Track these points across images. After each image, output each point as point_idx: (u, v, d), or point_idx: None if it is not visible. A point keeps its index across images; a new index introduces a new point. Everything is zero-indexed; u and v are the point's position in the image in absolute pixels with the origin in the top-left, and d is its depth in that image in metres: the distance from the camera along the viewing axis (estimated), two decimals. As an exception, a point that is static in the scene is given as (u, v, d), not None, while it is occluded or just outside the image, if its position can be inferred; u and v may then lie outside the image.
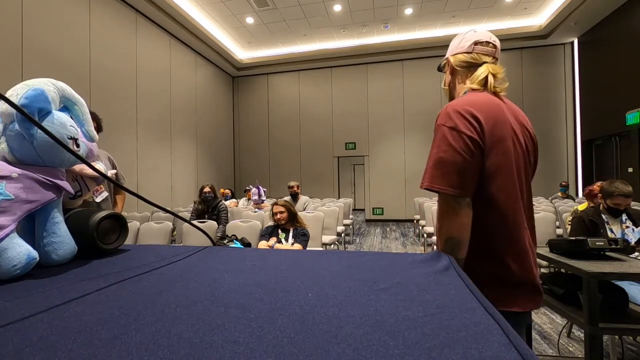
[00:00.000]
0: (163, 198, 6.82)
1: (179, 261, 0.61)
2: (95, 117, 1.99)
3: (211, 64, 9.02)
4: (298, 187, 5.20)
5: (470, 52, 1.01)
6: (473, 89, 0.98)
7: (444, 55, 1.11)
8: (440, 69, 1.14)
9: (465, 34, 1.04)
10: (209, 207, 4.00)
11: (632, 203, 2.87)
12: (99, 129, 2.07)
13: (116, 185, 2.11)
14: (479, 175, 0.88)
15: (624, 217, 2.23)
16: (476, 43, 1.00)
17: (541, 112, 8.13)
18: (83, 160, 0.58)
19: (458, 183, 0.86)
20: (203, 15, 7.10)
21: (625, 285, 1.66)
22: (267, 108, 10.10)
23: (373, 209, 9.31)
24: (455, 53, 1.04)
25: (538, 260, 1.83)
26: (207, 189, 4.01)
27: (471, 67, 1.01)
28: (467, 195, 0.87)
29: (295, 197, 5.10)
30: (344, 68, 9.44)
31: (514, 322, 0.95)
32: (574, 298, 1.57)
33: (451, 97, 1.08)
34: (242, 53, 9.23)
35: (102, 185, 1.89)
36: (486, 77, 0.97)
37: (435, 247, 1.12)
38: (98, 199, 1.90)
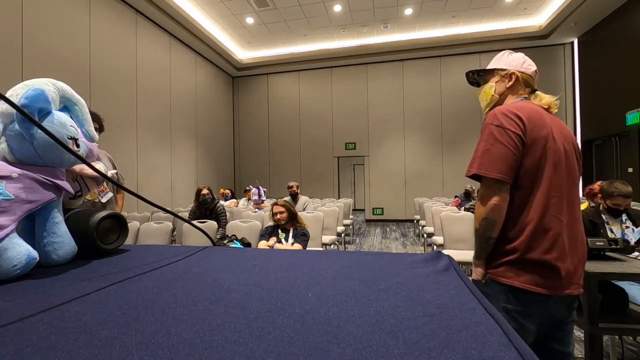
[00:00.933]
0: (163, 198, 6.82)
1: (179, 261, 0.61)
2: (96, 117, 1.99)
3: (211, 64, 9.02)
4: (298, 187, 5.19)
5: (533, 77, 1.20)
6: (525, 98, 1.16)
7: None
8: (490, 72, 1.25)
9: (525, 58, 1.21)
10: (206, 211, 3.89)
11: (632, 203, 2.87)
12: (100, 129, 2.06)
13: (117, 186, 2.11)
14: (519, 166, 1.03)
15: (624, 217, 2.23)
16: (535, 72, 1.21)
17: (541, 112, 8.11)
18: (83, 160, 0.58)
19: (502, 170, 1.01)
20: (203, 16, 7.10)
21: (625, 285, 1.66)
22: (267, 108, 10.09)
23: (373, 209, 9.30)
24: (521, 71, 1.19)
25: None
26: (205, 191, 3.86)
27: (527, 86, 1.19)
28: (508, 182, 1.02)
29: (294, 197, 5.10)
30: (344, 68, 9.44)
31: (523, 301, 1.02)
32: (574, 298, 1.57)
33: (495, 105, 1.21)
34: (242, 53, 9.23)
35: (106, 186, 1.88)
36: (548, 104, 1.15)
37: (434, 247, 1.17)
38: (104, 199, 1.89)
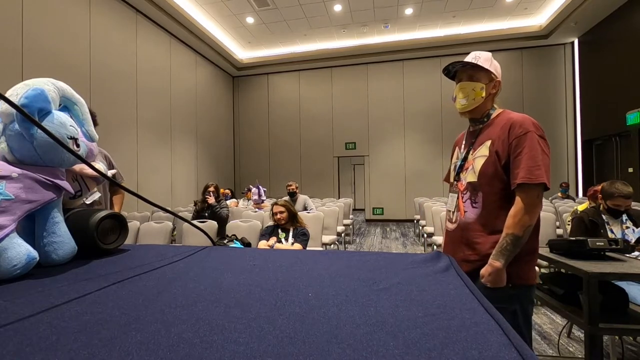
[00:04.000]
0: (163, 198, 6.82)
1: (179, 261, 0.61)
2: (90, 112, 1.97)
3: (211, 64, 9.02)
4: (297, 187, 5.19)
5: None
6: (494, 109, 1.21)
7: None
8: (484, 71, 1.18)
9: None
10: (210, 205, 4.00)
11: (633, 203, 2.87)
12: (94, 123, 2.04)
13: (117, 186, 2.09)
14: None
15: (624, 217, 2.23)
16: None
17: (541, 112, 8.12)
18: (83, 160, 0.58)
19: (549, 178, 1.03)
20: (203, 15, 7.10)
21: (625, 285, 1.66)
22: (267, 108, 10.09)
23: (373, 208, 9.30)
24: (499, 79, 1.19)
25: (539, 260, 1.85)
26: (212, 189, 4.01)
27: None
28: None
29: (293, 195, 5.09)
30: (344, 68, 9.43)
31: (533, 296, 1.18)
32: (574, 298, 1.57)
33: (478, 106, 1.18)
34: (242, 53, 9.23)
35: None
36: None
37: (434, 247, 1.20)
38: (88, 201, 1.82)
